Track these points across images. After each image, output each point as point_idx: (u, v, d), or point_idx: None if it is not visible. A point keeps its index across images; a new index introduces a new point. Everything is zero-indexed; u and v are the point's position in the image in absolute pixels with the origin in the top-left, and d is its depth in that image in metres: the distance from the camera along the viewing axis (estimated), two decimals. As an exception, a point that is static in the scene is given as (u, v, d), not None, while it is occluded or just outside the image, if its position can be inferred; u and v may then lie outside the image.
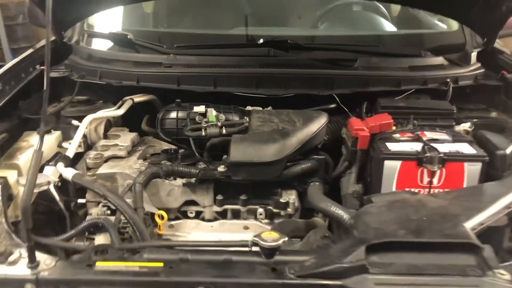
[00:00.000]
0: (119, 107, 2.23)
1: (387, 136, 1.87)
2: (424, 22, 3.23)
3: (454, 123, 2.10)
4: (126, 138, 2.12)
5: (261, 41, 2.51)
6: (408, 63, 2.42)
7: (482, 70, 2.45)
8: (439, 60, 2.47)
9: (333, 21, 3.22)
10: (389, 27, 3.17)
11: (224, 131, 2.02)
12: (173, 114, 2.18)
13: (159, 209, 1.87)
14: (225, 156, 1.99)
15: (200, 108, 2.11)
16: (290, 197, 1.93)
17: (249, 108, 2.21)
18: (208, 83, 2.31)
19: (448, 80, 2.35)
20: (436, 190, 1.75)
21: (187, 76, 2.34)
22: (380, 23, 3.20)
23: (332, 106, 2.26)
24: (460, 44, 2.68)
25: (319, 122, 2.01)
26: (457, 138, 1.89)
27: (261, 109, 2.21)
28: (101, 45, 2.76)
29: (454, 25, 2.88)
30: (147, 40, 2.61)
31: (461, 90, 2.38)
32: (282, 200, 1.91)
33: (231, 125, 2.06)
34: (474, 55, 2.51)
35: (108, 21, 2.99)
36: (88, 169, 1.95)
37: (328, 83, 2.30)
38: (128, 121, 2.35)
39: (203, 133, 2.03)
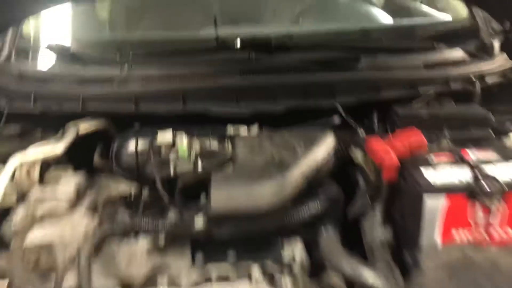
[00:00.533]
0: (58, 141, 1.69)
1: (421, 160, 1.39)
2: (414, 10, 2.78)
3: (493, 134, 1.64)
4: (69, 182, 1.58)
5: (238, 42, 2.00)
6: (422, 59, 1.95)
7: (510, 63, 2.00)
8: (459, 54, 2.01)
9: (317, 15, 2.73)
10: (384, 18, 2.70)
11: (199, 166, 1.51)
12: (131, 145, 1.65)
13: (120, 282, 1.35)
14: (203, 199, 1.48)
15: (166, 136, 1.59)
16: (295, 249, 1.43)
17: (230, 130, 1.70)
18: (175, 100, 1.79)
19: (473, 78, 1.89)
20: (498, 235, 1.28)
21: (147, 94, 1.82)
22: (373, 14, 2.73)
23: (336, 119, 1.77)
24: (473, 33, 2.23)
25: (326, 144, 1.53)
26: (509, 155, 1.42)
27: (246, 130, 1.70)
28: (41, 63, 2.20)
29: (461, 10, 2.43)
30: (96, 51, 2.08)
31: (488, 89, 1.93)
32: (284, 254, 1.42)
33: (209, 157, 1.55)
34: (497, 45, 2.07)
35: (51, 31, 2.42)
36: (16, 234, 1.41)
37: (328, 91, 1.82)
38: (74, 154, 1.80)
39: (172, 171, 1.51)
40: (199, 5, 2.68)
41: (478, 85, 1.86)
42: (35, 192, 1.53)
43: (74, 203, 1.50)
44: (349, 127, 1.76)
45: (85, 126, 1.77)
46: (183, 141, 1.56)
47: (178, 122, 1.71)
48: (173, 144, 1.58)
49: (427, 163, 1.37)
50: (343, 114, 1.76)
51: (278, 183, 1.36)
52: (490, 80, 1.93)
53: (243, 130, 1.68)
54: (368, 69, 1.88)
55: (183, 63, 1.93)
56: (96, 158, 1.87)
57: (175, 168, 1.50)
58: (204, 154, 1.54)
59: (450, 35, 2.27)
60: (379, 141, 1.47)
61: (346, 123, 1.77)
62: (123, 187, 1.66)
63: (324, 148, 1.49)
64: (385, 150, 1.40)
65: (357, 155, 1.57)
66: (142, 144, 1.63)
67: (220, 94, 1.81)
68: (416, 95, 1.81)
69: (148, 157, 1.58)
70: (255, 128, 1.70)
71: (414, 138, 1.44)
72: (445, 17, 2.58)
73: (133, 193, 1.60)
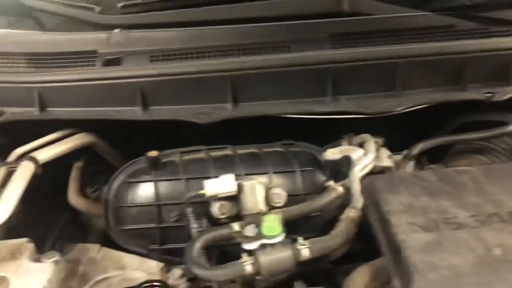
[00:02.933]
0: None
1: None
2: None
3: None
4: (27, 281, 0.78)
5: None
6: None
7: None
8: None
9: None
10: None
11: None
12: (144, 191, 0.86)
13: None
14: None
15: (223, 184, 0.79)
16: None
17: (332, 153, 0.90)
18: (219, 92, 0.97)
19: None
20: None
21: (161, 84, 0.98)
22: None
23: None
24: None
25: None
26: None
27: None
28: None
29: None
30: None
31: None
32: None
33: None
34: None
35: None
36: None
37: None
38: (34, 202, 1.00)
39: (249, 267, 0.72)
40: None
41: None
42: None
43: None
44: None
45: (50, 152, 0.94)
46: (259, 194, 0.77)
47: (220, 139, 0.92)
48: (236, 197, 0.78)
49: None
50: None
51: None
52: None
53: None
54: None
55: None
56: (74, 197, 1.07)
57: (253, 261, 0.71)
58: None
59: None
60: None
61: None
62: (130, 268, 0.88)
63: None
64: None
65: None
66: (168, 189, 0.84)
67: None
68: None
69: (187, 221, 0.79)
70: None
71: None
72: None
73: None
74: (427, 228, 0.67)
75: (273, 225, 0.70)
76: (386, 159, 0.94)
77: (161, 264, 0.88)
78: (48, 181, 1.09)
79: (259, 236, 0.72)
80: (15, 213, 1.00)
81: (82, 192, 1.11)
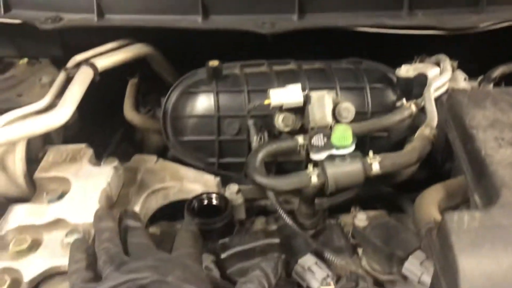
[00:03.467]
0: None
1: None
2: None
3: None
4: (88, 183, 0.78)
5: None
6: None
7: None
8: None
9: None
10: None
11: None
12: (204, 102, 0.83)
13: None
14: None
15: (291, 94, 0.74)
16: None
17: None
18: (285, 1, 0.90)
19: None
20: None
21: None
22: None
23: None
24: None
25: None
26: None
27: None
28: None
29: None
30: None
31: None
32: None
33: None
34: None
35: None
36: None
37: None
38: (90, 115, 1.00)
39: (314, 180, 0.69)
40: None
41: None
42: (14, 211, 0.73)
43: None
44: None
45: (111, 59, 0.92)
46: (328, 106, 0.72)
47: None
48: (303, 109, 0.74)
49: None
50: None
51: None
52: None
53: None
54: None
55: None
56: (129, 112, 1.06)
57: (323, 171, 0.67)
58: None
59: None
60: None
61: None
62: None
63: None
64: None
65: None
66: (229, 101, 0.81)
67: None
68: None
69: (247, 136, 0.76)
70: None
71: None
72: None
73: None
74: (516, 144, 0.60)
75: (345, 135, 0.65)
76: (463, 82, 0.87)
77: (218, 178, 0.87)
78: (104, 95, 1.09)
79: (328, 146, 0.67)
80: (73, 121, 1.00)
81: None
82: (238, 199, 0.82)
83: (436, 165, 0.91)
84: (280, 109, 0.76)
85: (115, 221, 0.64)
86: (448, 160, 0.91)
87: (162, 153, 0.97)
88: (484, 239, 0.52)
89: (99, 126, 1.11)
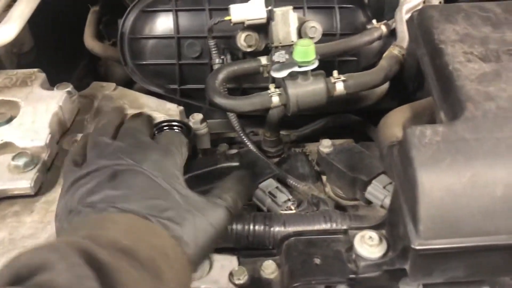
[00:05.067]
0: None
1: None
2: None
3: None
4: (38, 106, 0.73)
5: None
6: None
7: None
8: None
9: None
10: None
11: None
12: (163, 22, 0.77)
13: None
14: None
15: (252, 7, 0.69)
16: None
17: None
18: None
19: None
20: None
21: None
22: None
23: None
24: None
25: None
26: None
27: None
28: None
29: None
30: None
31: None
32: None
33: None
34: None
35: None
36: None
37: None
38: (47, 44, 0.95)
39: (275, 100, 0.65)
40: None
41: None
42: None
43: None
44: None
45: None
46: (293, 24, 0.67)
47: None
48: (267, 23, 0.69)
49: None
50: None
51: None
52: None
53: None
54: None
55: None
56: (88, 38, 1.00)
57: (285, 91, 0.64)
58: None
59: None
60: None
61: None
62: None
63: None
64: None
65: None
66: (189, 20, 0.75)
67: None
68: None
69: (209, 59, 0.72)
70: None
71: None
72: None
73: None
74: (486, 59, 0.57)
75: (307, 50, 0.61)
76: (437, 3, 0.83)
77: (181, 107, 0.83)
78: (63, 23, 1.02)
79: (289, 63, 0.63)
80: (28, 49, 0.94)
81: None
82: (202, 128, 0.79)
83: (408, 94, 0.88)
84: (243, 27, 0.71)
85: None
86: (420, 89, 0.88)
87: (127, 86, 0.92)
88: (446, 153, 0.49)
89: (59, 57, 1.05)
